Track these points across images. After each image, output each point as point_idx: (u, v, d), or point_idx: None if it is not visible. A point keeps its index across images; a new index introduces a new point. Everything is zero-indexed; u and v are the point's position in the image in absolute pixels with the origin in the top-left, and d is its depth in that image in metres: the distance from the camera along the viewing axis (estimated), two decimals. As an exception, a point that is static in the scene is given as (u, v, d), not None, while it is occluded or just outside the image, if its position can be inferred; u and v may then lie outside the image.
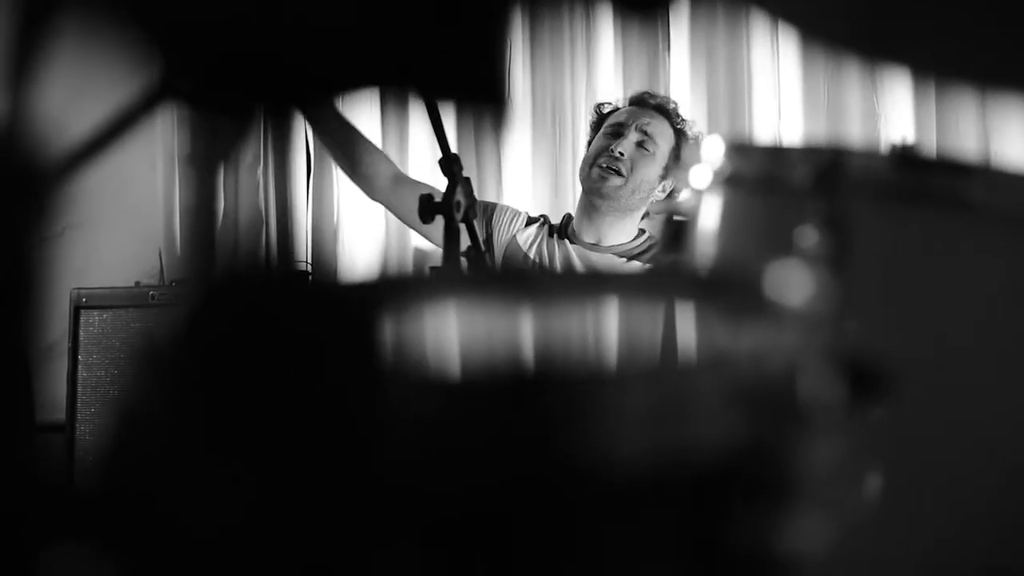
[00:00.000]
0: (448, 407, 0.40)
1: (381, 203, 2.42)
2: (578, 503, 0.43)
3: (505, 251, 2.36)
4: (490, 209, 2.42)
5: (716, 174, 0.86)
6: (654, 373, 0.46)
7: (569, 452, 0.42)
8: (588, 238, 2.35)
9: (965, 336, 0.78)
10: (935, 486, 0.77)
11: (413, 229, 2.49)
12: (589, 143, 2.39)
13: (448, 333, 0.45)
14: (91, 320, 2.46)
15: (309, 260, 2.74)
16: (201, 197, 0.48)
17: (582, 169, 2.35)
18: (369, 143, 2.36)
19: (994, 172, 0.81)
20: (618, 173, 2.27)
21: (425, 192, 1.50)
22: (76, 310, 2.45)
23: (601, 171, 2.27)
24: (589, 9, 2.58)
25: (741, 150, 0.85)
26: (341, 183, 2.70)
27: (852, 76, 2.55)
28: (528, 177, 2.78)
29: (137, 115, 0.46)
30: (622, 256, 2.33)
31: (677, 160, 2.31)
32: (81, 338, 2.46)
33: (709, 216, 0.87)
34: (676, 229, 0.93)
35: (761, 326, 0.50)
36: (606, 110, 2.40)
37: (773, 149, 0.84)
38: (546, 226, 2.43)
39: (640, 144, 2.29)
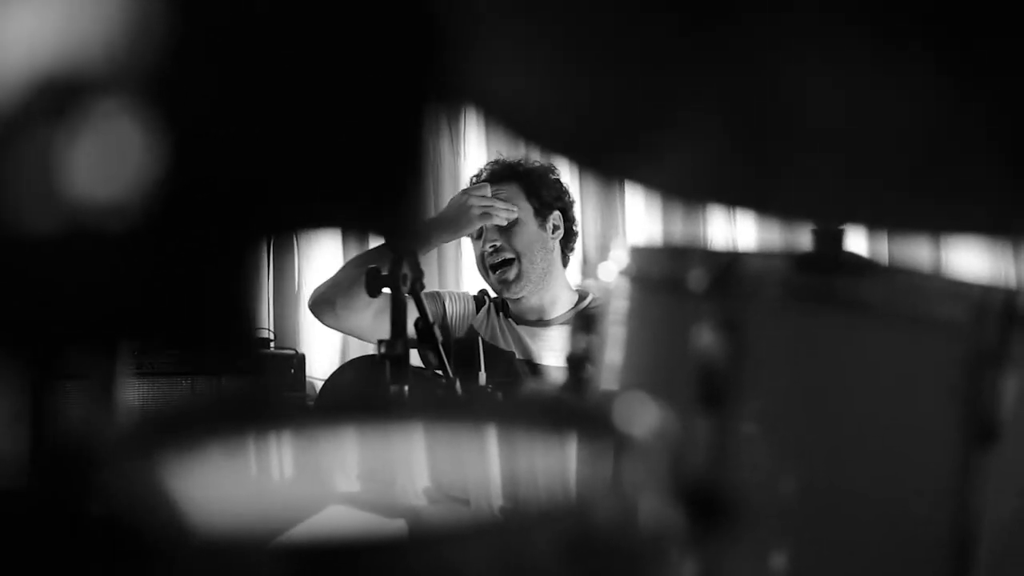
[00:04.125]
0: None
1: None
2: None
3: (465, 337, 2.33)
4: (440, 297, 2.40)
5: (620, 273, 0.86)
6: (486, 528, 0.45)
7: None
8: (531, 317, 2.35)
9: (861, 432, 0.78)
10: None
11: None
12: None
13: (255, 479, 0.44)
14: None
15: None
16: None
17: (483, 277, 2.37)
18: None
19: (893, 272, 0.81)
20: (508, 263, 2.27)
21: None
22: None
23: (494, 271, 2.29)
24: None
25: (642, 250, 0.86)
26: (301, 253, 2.71)
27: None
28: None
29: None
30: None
31: (543, 197, 2.28)
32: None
33: (615, 312, 0.88)
34: (586, 320, 0.93)
35: (603, 459, 0.50)
36: None
37: (673, 250, 0.84)
38: (490, 304, 2.42)
39: (501, 226, 2.26)
